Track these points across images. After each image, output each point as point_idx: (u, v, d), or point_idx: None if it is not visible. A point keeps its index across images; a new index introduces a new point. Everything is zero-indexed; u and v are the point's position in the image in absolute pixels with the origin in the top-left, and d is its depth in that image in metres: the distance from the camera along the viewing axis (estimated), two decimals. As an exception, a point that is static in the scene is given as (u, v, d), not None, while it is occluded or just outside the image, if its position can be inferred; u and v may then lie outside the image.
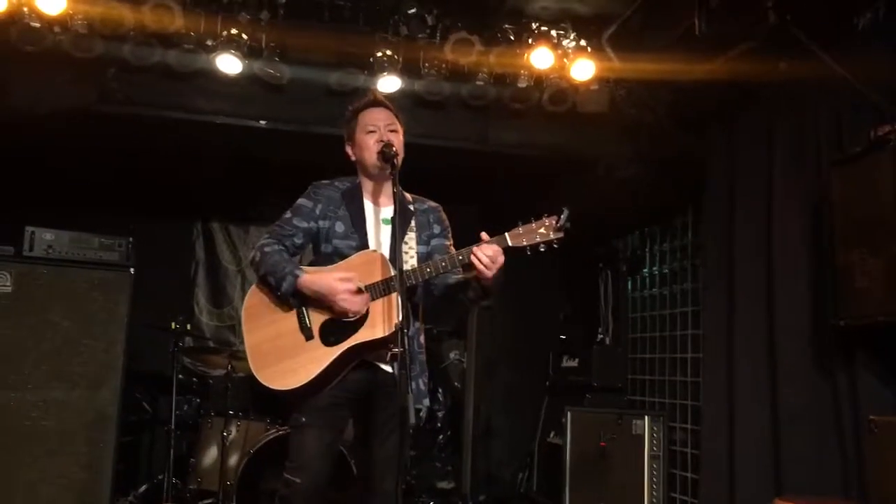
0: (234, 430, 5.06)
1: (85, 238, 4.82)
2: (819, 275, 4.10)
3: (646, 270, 6.45)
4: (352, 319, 2.93)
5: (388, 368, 2.99)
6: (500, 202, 6.26)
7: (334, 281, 2.91)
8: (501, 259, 2.83)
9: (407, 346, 2.63)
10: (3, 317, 4.58)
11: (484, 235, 2.86)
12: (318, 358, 2.94)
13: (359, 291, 2.91)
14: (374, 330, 2.90)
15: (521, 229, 2.86)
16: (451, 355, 7.21)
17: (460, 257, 2.87)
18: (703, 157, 5.12)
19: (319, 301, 2.95)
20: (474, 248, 2.83)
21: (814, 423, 4.07)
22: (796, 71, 4.15)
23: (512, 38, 4.63)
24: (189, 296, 6.77)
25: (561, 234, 2.82)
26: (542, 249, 2.84)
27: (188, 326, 5.50)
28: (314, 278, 2.96)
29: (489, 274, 2.82)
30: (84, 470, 4.62)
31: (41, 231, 4.73)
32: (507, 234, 2.86)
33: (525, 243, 2.84)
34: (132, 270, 4.88)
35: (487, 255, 2.81)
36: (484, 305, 3.10)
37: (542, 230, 2.83)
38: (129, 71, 4.54)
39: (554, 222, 2.82)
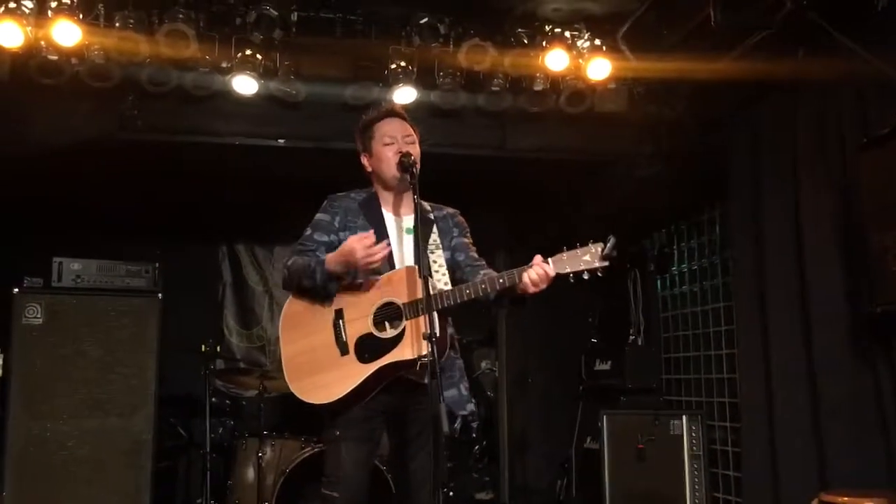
0: (268, 450, 5.04)
1: (112, 266, 4.89)
2: (853, 262, 4.02)
3: (675, 268, 6.37)
4: (383, 326, 2.91)
5: (418, 380, 2.95)
6: (525, 208, 6.24)
7: (353, 242, 2.87)
8: (546, 283, 2.79)
9: (436, 355, 2.61)
10: (35, 348, 4.65)
11: (538, 258, 2.82)
12: (353, 374, 2.92)
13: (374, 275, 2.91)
14: (406, 350, 2.86)
15: (564, 256, 2.79)
16: (483, 365, 7.18)
17: (501, 281, 2.83)
18: (725, 149, 5.06)
19: (347, 265, 2.91)
20: (527, 269, 2.79)
21: (856, 413, 3.99)
22: (816, 57, 4.09)
23: (525, 41, 4.60)
24: (218, 318, 6.81)
25: (606, 263, 2.74)
26: (586, 277, 2.78)
27: (218, 349, 5.53)
28: (337, 254, 2.93)
29: (533, 290, 2.79)
30: (122, 498, 4.66)
31: (69, 261, 4.80)
32: (550, 259, 2.81)
33: (569, 270, 2.78)
34: (160, 296, 4.92)
35: (536, 274, 2.77)
36: (515, 309, 3.07)
37: (586, 258, 2.76)
38: (148, 98, 4.57)
39: (599, 250, 2.74)
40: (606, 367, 6.15)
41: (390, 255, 3.06)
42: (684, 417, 5.33)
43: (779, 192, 4.57)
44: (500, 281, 2.83)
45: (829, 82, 4.20)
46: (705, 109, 4.96)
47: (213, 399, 5.59)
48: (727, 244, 5.51)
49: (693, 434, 5.27)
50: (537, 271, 2.78)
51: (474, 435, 6.82)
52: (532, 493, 6.71)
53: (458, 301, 2.88)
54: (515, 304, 2.97)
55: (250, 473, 5.04)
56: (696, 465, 5.20)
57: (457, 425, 3.15)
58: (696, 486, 5.17)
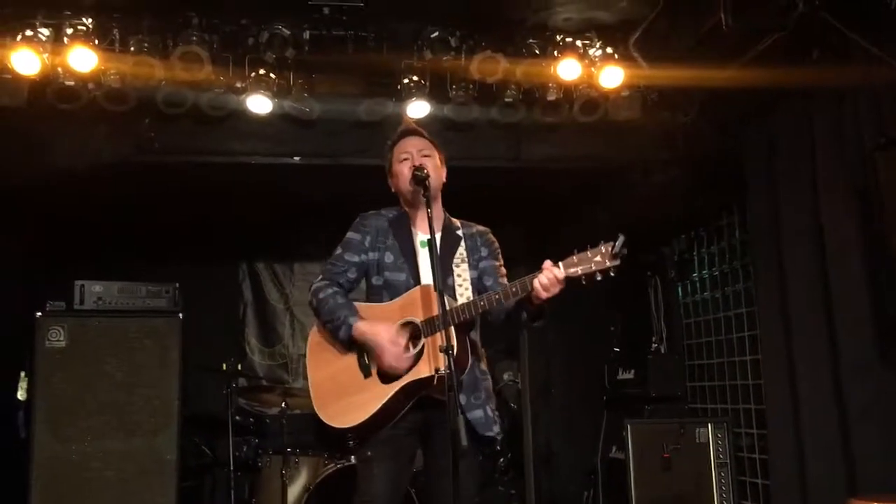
0: (292, 467, 5.04)
1: (132, 287, 4.94)
2: (875, 264, 3.96)
3: (695, 274, 6.32)
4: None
5: (443, 397, 2.95)
6: (542, 218, 6.23)
7: (386, 342, 2.92)
8: (558, 287, 2.79)
9: (453, 370, 2.61)
10: (59, 370, 4.70)
11: (547, 263, 2.82)
12: (377, 395, 2.94)
13: (406, 349, 2.92)
14: (423, 368, 2.89)
15: (575, 258, 2.80)
16: (505, 377, 7.15)
17: (514, 289, 2.85)
18: (742, 153, 5.02)
19: (371, 349, 2.98)
20: (537, 275, 2.80)
21: (884, 417, 3.92)
22: (830, 58, 4.05)
23: (537, 52, 4.58)
24: (240, 337, 6.84)
25: (617, 262, 2.75)
26: (599, 279, 2.78)
27: (239, 367, 5.55)
28: (368, 329, 2.97)
29: (545, 295, 2.79)
30: (148, 517, 4.67)
31: (90, 284, 4.86)
32: (560, 263, 2.81)
33: (580, 272, 2.78)
34: (181, 315, 4.95)
35: (546, 278, 2.78)
36: (536, 326, 3.06)
37: (597, 258, 2.76)
38: (164, 120, 4.61)
39: (609, 249, 2.75)
40: (630, 375, 6.11)
41: (416, 272, 3.08)
42: (710, 425, 5.27)
43: (797, 195, 4.52)
44: (513, 289, 2.84)
45: (844, 83, 4.16)
46: (721, 113, 4.92)
47: (238, 417, 5.62)
48: (747, 249, 5.46)
49: (719, 442, 5.21)
50: (547, 276, 2.78)
51: (499, 448, 6.83)
52: (559, 505, 6.66)
53: (474, 314, 2.89)
54: (533, 319, 2.96)
55: (275, 492, 5.03)
56: (723, 474, 5.15)
57: (498, 438, 3.15)
58: (724, 495, 5.11)
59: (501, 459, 6.88)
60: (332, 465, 4.89)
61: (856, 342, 4.08)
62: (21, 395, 5.18)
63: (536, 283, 2.78)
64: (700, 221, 6.16)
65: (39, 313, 4.74)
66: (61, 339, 4.72)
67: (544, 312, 2.94)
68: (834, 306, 4.21)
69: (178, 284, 5.08)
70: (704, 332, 6.17)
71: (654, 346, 6.54)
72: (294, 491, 4.97)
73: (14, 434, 5.22)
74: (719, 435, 5.23)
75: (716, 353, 6.00)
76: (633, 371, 6.08)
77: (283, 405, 5.22)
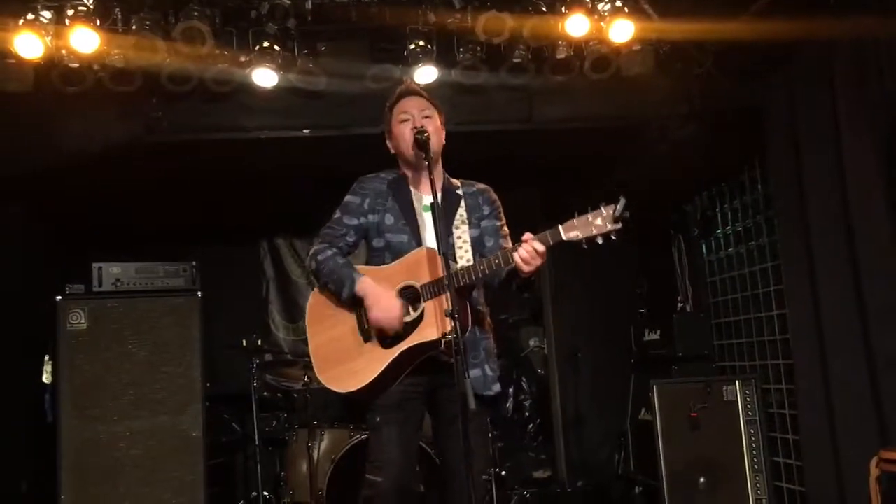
0: (318, 440, 5.06)
1: (150, 267, 4.95)
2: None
3: (719, 231, 6.20)
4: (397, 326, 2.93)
5: (447, 359, 2.92)
6: (558, 181, 6.14)
7: (393, 310, 2.91)
8: (539, 260, 2.77)
9: (459, 334, 2.58)
10: (81, 352, 4.73)
11: (527, 235, 2.79)
12: (377, 359, 2.93)
13: (406, 311, 2.91)
14: (428, 332, 2.87)
15: (575, 221, 2.75)
16: (531, 342, 7.13)
17: (496, 261, 2.84)
18: (761, 103, 4.88)
19: (371, 308, 2.96)
20: (517, 247, 2.79)
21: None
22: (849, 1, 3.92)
23: (544, 9, 4.47)
24: (264, 314, 6.88)
25: (618, 226, 2.70)
26: (600, 242, 2.73)
27: (259, 342, 5.58)
28: (370, 289, 2.96)
29: (526, 269, 2.77)
30: (177, 495, 4.72)
31: (107, 266, 4.87)
32: (560, 227, 2.77)
33: (581, 236, 2.73)
34: (199, 294, 4.95)
35: (526, 251, 2.76)
36: (525, 297, 3.06)
37: (598, 221, 2.71)
38: (171, 98, 4.59)
39: (611, 212, 2.69)
40: (656, 336, 6.04)
41: (417, 233, 3.05)
42: (738, 383, 5.19)
43: (819, 142, 4.40)
44: (496, 261, 2.83)
45: (863, 23, 4.01)
46: (737, 63, 4.77)
47: (265, 393, 5.66)
48: (771, 202, 5.33)
49: (748, 399, 5.13)
50: (526, 249, 2.76)
51: (527, 413, 6.82)
52: (590, 469, 6.63)
53: (472, 279, 2.87)
54: (521, 290, 2.96)
55: (302, 464, 5.07)
56: (752, 431, 5.07)
57: (508, 405, 3.13)
58: (754, 452, 5.04)
59: (530, 425, 6.88)
60: (357, 436, 4.89)
61: (883, 291, 4.01)
62: (46, 378, 5.25)
63: (516, 256, 2.77)
64: (721, 176, 6.02)
65: (59, 297, 4.77)
66: (82, 321, 4.75)
67: (531, 283, 2.94)
68: (859, 254, 4.12)
69: (195, 263, 5.08)
70: (730, 289, 6.06)
71: (680, 305, 6.45)
72: (320, 463, 4.99)
73: (41, 417, 5.31)
74: (748, 392, 5.14)
75: (742, 309, 5.89)
76: (659, 332, 6.00)
77: (305, 378, 5.23)
